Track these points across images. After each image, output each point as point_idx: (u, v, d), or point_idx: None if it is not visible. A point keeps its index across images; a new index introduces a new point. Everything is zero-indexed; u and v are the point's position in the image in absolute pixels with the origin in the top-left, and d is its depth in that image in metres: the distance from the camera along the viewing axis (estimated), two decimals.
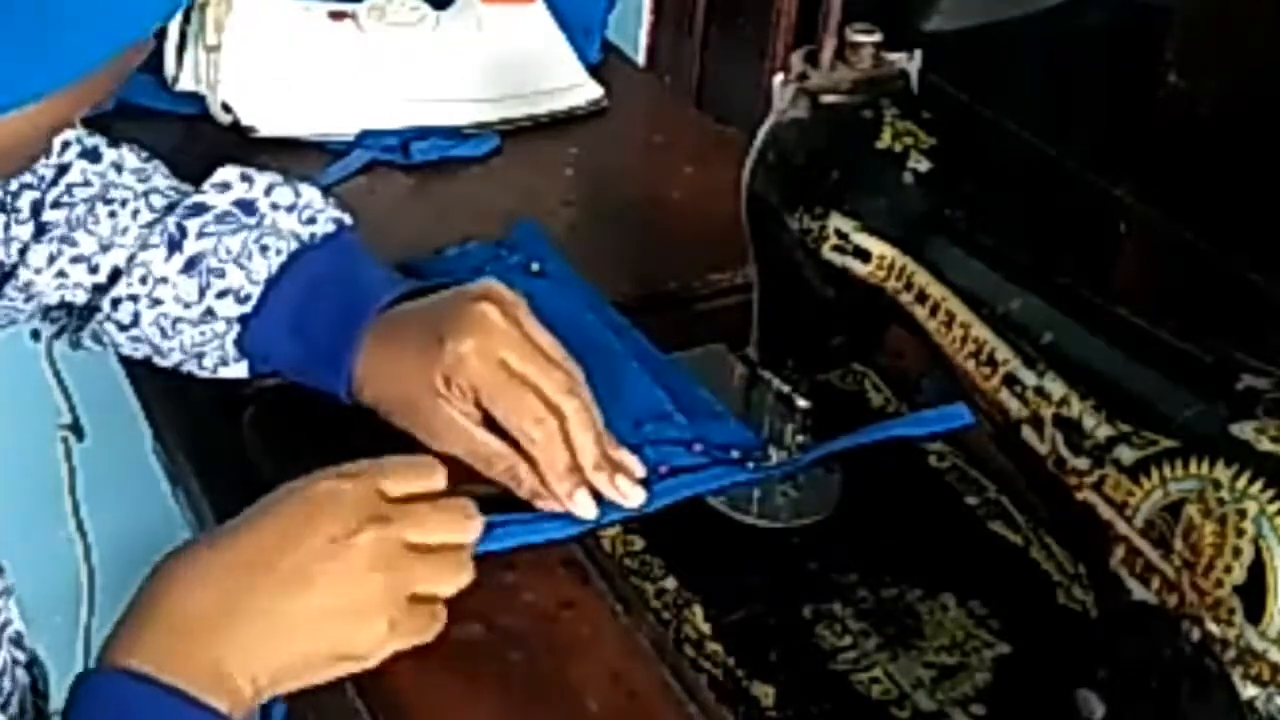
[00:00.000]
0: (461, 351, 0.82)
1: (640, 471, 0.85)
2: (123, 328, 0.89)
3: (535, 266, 1.03)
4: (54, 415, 1.15)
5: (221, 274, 0.87)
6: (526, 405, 0.82)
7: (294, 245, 0.88)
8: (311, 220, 0.90)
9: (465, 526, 0.77)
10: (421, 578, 0.74)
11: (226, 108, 1.20)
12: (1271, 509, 0.57)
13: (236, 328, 0.87)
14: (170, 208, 0.89)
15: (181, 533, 1.20)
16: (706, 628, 0.79)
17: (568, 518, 0.83)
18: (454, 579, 0.76)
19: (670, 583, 0.82)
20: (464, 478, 0.82)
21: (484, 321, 0.83)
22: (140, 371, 0.96)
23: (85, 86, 0.59)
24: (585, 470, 0.82)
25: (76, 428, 1.16)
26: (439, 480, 0.78)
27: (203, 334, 0.88)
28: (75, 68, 0.58)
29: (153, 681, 0.66)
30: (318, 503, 0.73)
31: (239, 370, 0.89)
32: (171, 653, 0.68)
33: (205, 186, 0.90)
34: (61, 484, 1.19)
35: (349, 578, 0.72)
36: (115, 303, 0.88)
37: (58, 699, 0.70)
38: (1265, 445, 0.58)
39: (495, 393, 0.82)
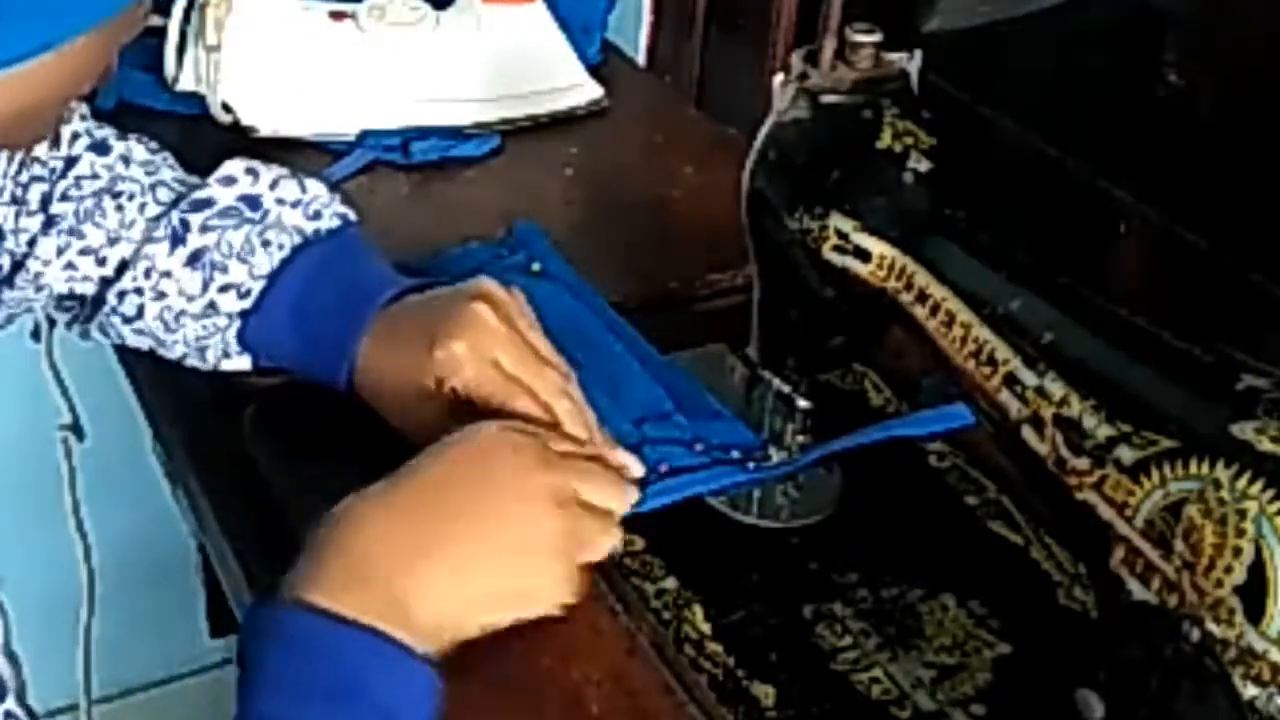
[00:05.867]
0: (454, 353, 0.82)
1: (637, 470, 0.84)
2: (127, 320, 0.89)
3: (535, 266, 1.03)
4: (54, 415, 1.15)
5: (224, 269, 0.87)
6: (521, 405, 0.82)
7: (297, 240, 0.89)
8: (316, 215, 0.90)
9: (624, 494, 0.79)
10: (588, 530, 0.76)
11: (226, 108, 1.20)
12: (1271, 509, 0.57)
13: (237, 323, 0.88)
14: (176, 201, 0.89)
15: (182, 533, 1.21)
16: (706, 628, 0.79)
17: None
18: (605, 540, 0.77)
19: (670, 583, 0.82)
20: None
21: (476, 322, 0.83)
22: (140, 371, 0.96)
23: (80, 59, 0.59)
24: None
25: (76, 428, 1.16)
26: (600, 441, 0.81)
27: (205, 328, 0.88)
28: (62, 28, 0.58)
29: (337, 617, 0.67)
30: (490, 446, 0.75)
31: (242, 363, 0.90)
32: (352, 591, 0.68)
33: (210, 180, 0.90)
34: (61, 484, 1.19)
35: (530, 518, 0.74)
36: (121, 296, 0.88)
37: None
38: (1265, 445, 0.58)
39: (488, 393, 0.82)
